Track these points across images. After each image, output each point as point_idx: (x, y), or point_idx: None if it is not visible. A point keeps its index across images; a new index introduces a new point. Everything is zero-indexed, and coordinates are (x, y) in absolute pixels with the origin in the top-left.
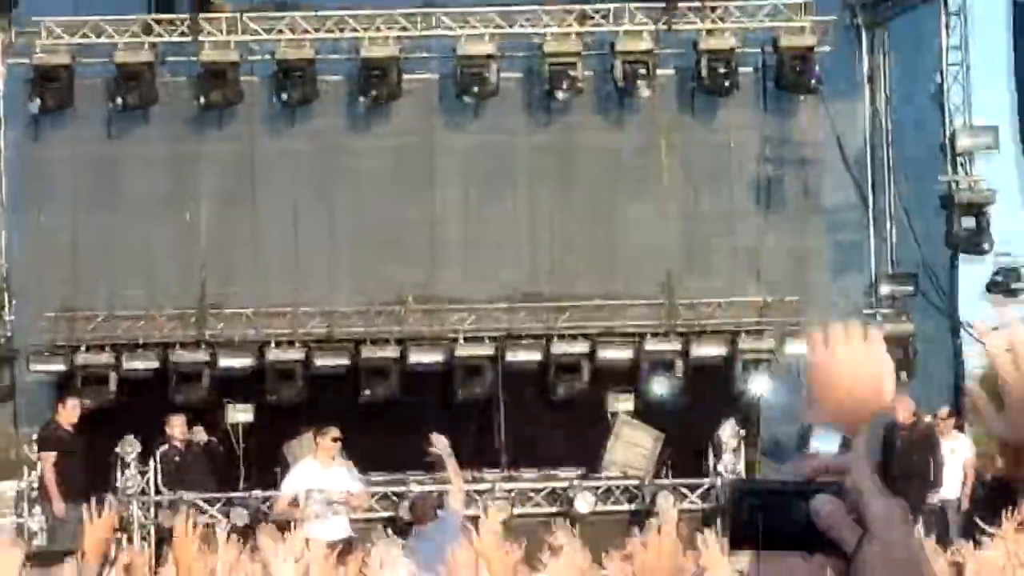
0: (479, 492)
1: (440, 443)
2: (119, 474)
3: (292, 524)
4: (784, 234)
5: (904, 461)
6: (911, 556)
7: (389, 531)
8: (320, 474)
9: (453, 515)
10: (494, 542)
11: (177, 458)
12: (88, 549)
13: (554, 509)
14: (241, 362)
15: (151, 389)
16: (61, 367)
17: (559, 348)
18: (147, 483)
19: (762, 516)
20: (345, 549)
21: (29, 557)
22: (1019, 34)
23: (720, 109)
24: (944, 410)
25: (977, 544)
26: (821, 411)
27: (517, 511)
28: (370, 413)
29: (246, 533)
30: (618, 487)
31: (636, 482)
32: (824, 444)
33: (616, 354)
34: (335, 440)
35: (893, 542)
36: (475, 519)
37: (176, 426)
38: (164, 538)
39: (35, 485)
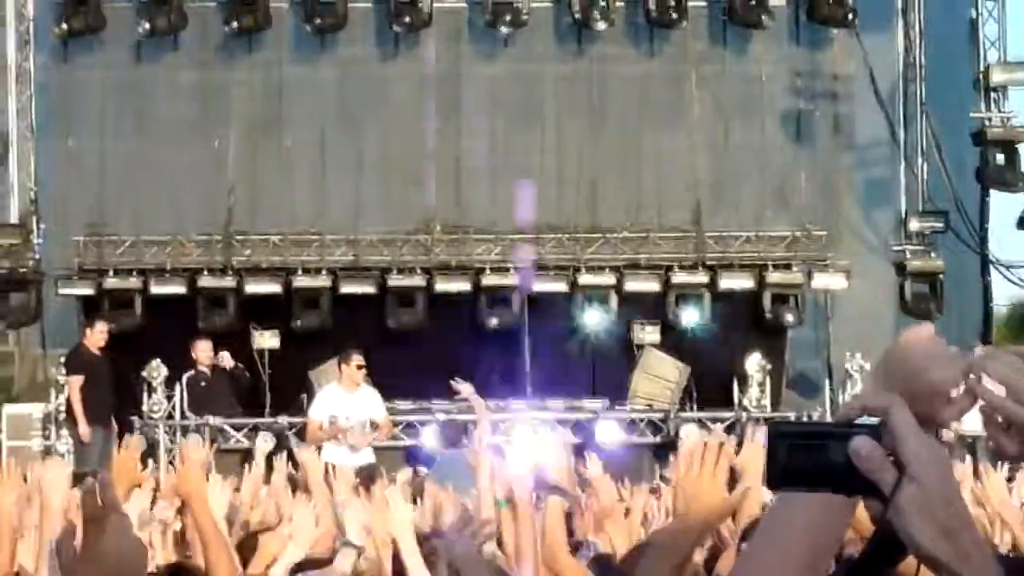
0: (504, 422)
1: (465, 389)
2: (145, 398)
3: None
4: (814, 168)
5: None
6: (950, 498)
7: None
8: (345, 400)
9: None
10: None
11: (203, 383)
12: (115, 475)
13: (579, 440)
14: (267, 288)
15: (177, 314)
16: (88, 291)
17: (586, 279)
18: (173, 408)
19: (800, 457)
20: (367, 476)
21: None
22: None
23: (752, 41)
24: (977, 346)
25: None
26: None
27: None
28: (396, 341)
29: (270, 458)
30: (642, 419)
31: (661, 414)
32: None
33: (643, 285)
34: (359, 367)
35: (932, 484)
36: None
37: (202, 351)
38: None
39: (62, 408)
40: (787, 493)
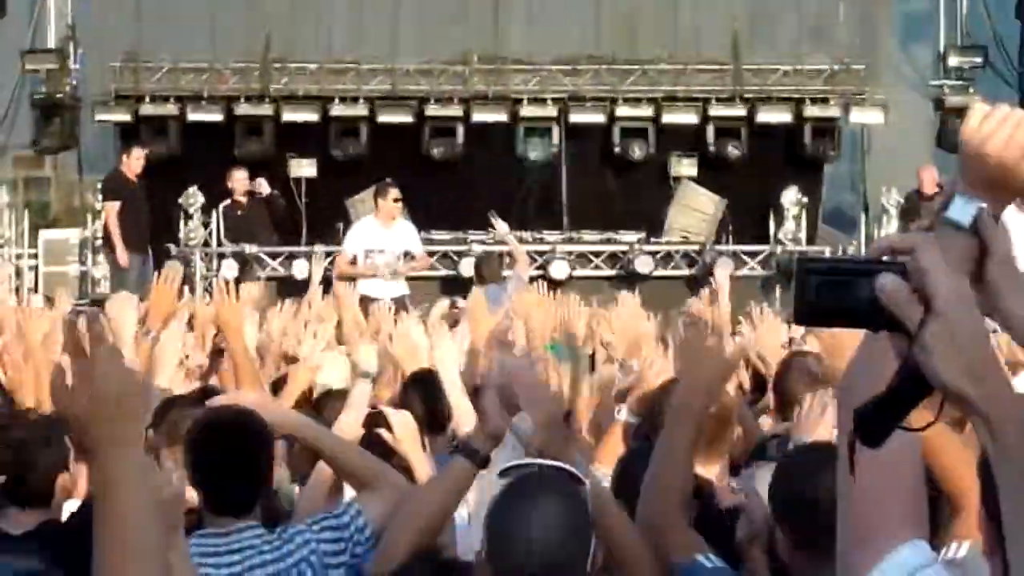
0: (540, 253)
1: (501, 225)
2: (181, 225)
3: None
4: (852, 3)
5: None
6: (974, 334)
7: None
8: (381, 233)
9: (518, 280)
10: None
11: (239, 211)
12: (152, 308)
13: (614, 272)
14: (304, 116)
15: (214, 142)
16: (125, 117)
17: (623, 111)
18: (209, 235)
19: (827, 292)
20: (400, 307)
21: (95, 303)
22: None
23: None
24: None
25: None
26: (965, 173)
27: (578, 273)
28: (433, 170)
29: (305, 286)
30: (678, 251)
31: (696, 247)
32: (958, 214)
33: (680, 118)
34: (396, 200)
35: (957, 320)
36: (537, 279)
37: (238, 179)
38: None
39: (98, 233)
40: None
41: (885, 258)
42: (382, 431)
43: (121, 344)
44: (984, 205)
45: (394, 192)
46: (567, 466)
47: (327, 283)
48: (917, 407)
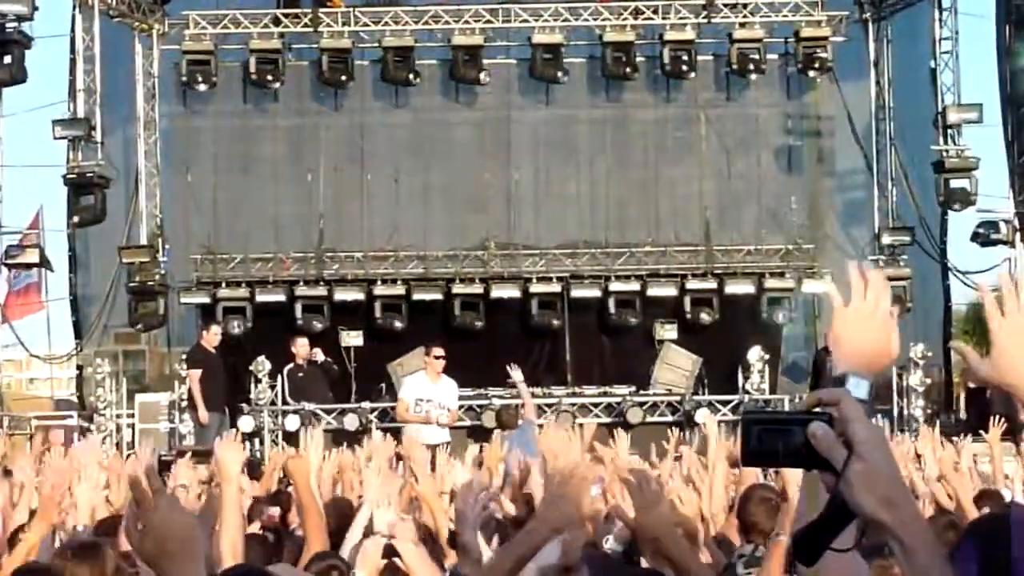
0: (548, 405)
1: (516, 374)
2: (252, 387)
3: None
4: (802, 192)
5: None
6: (891, 474)
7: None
8: (429, 386)
9: (530, 425)
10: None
11: (300, 375)
12: (221, 457)
13: (610, 420)
14: (353, 296)
15: (278, 318)
16: (205, 299)
17: (615, 286)
18: (275, 395)
19: (767, 438)
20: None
21: (190, 454)
22: (1001, 24)
23: (750, 89)
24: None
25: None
26: (846, 360)
27: (579, 421)
28: (459, 338)
29: (356, 437)
30: (663, 402)
31: (678, 398)
32: (856, 390)
33: (663, 291)
34: (438, 358)
35: (874, 460)
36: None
37: (301, 345)
38: (289, 438)
39: (184, 396)
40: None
41: (816, 409)
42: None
43: (227, 482)
44: (870, 382)
45: (438, 350)
46: None
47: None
48: (843, 531)
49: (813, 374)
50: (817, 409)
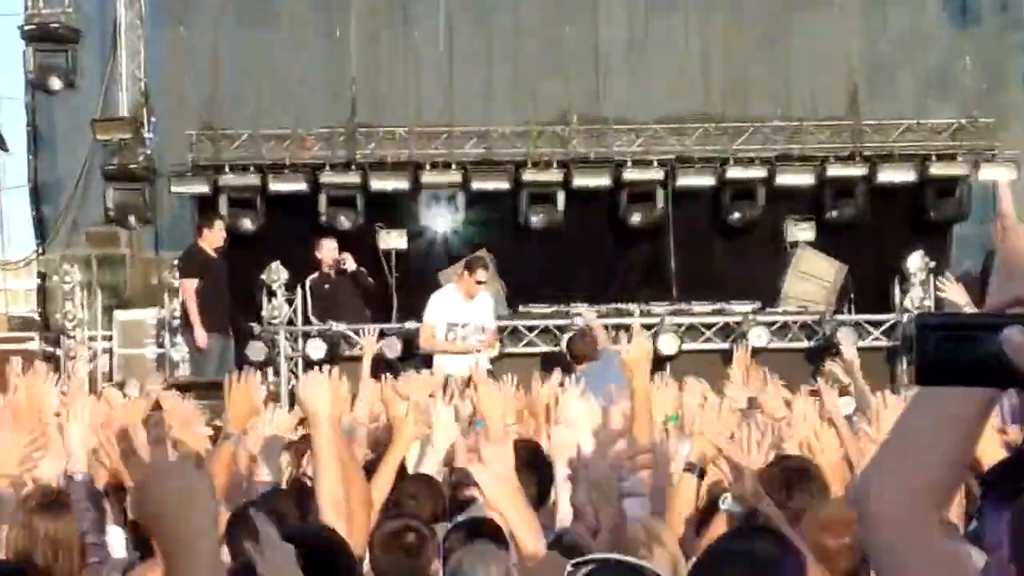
0: (647, 327)
1: (589, 317)
2: (265, 303)
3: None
4: (980, 51)
5: None
6: None
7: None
8: (462, 306)
9: (613, 356)
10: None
11: (326, 286)
12: (232, 410)
13: (726, 345)
14: (394, 184)
15: (299, 213)
16: (204, 188)
17: (734, 172)
18: (294, 312)
19: (950, 350)
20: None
21: (178, 387)
22: None
23: None
24: None
25: None
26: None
27: (687, 346)
28: (531, 240)
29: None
30: (795, 322)
31: (815, 317)
32: None
33: (796, 179)
34: (479, 283)
35: None
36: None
37: (327, 251)
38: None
39: (176, 313)
40: (924, 389)
41: (1010, 311)
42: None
43: (316, 427)
44: None
45: (481, 273)
46: (644, 564)
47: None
48: None
49: (982, 282)
50: (1016, 311)
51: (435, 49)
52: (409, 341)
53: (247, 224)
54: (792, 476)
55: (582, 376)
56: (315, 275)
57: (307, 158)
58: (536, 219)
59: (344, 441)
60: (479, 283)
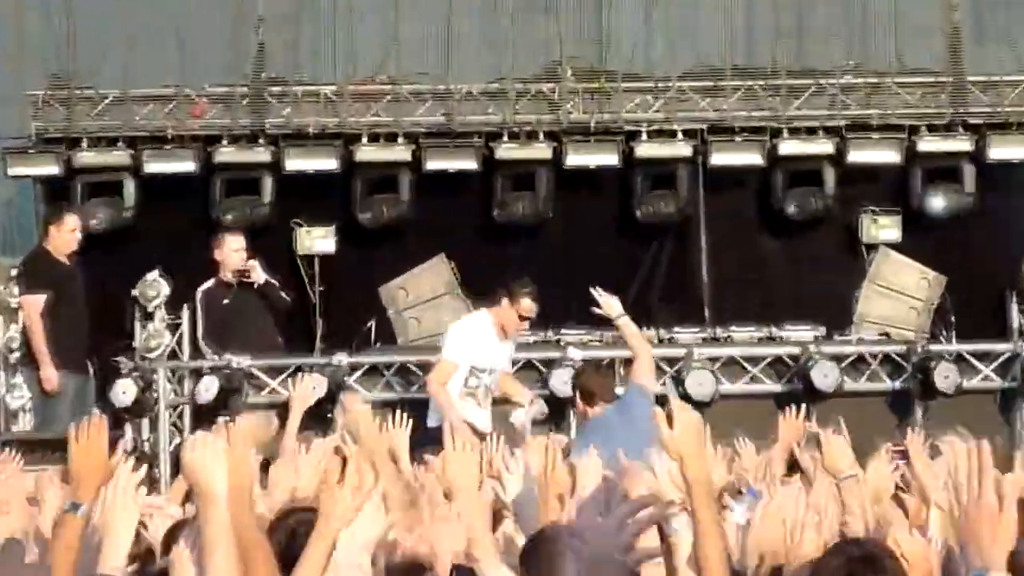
0: (671, 360)
1: (608, 302)
2: (138, 328)
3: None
4: None
5: None
6: None
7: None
8: (494, 346)
9: (640, 392)
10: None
11: (225, 302)
12: (77, 470)
13: (779, 387)
14: (317, 164)
15: (184, 204)
16: (53, 169)
17: (789, 147)
18: (179, 342)
19: None
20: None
21: (19, 444)
22: None
23: None
24: None
25: None
26: None
27: (727, 388)
28: (506, 238)
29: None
30: (874, 354)
31: (901, 348)
32: None
33: (875, 156)
34: (523, 318)
35: None
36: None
37: (230, 252)
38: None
39: (15, 343)
40: None
41: None
42: None
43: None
44: None
45: (527, 304)
46: None
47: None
48: None
49: None
50: None
51: None
52: (341, 381)
53: (113, 218)
54: (857, 568)
55: (593, 429)
56: (208, 286)
57: (197, 128)
58: (515, 211)
59: (254, 530)
60: (523, 319)
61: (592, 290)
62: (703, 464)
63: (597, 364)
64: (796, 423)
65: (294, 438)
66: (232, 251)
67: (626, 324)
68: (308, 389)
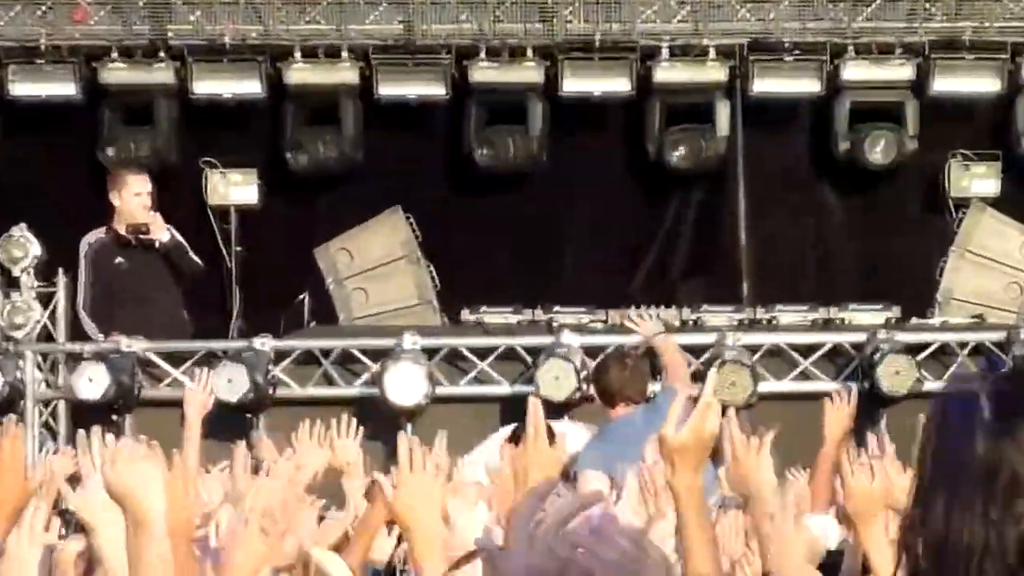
0: (698, 349)
1: (647, 328)
2: (0, 299)
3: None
4: None
5: None
6: None
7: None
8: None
9: (670, 393)
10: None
11: (118, 263)
12: None
13: (836, 384)
14: (235, 87)
15: (62, 137)
16: None
17: (855, 71)
18: (53, 318)
19: None
20: None
21: None
22: None
23: None
24: None
25: None
26: None
27: (770, 387)
28: (487, 188)
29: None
30: (963, 343)
31: (1000, 335)
32: None
33: (967, 84)
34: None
35: None
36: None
37: (130, 196)
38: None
39: None
40: None
41: None
42: None
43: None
44: None
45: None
46: None
47: None
48: None
49: None
50: None
51: None
52: (265, 372)
53: None
54: None
55: (611, 432)
56: (100, 237)
57: (78, 37)
58: (495, 153)
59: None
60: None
61: (627, 318)
62: (695, 476)
63: (621, 356)
64: (846, 412)
65: (194, 458)
66: (133, 195)
67: (665, 342)
68: (204, 393)
